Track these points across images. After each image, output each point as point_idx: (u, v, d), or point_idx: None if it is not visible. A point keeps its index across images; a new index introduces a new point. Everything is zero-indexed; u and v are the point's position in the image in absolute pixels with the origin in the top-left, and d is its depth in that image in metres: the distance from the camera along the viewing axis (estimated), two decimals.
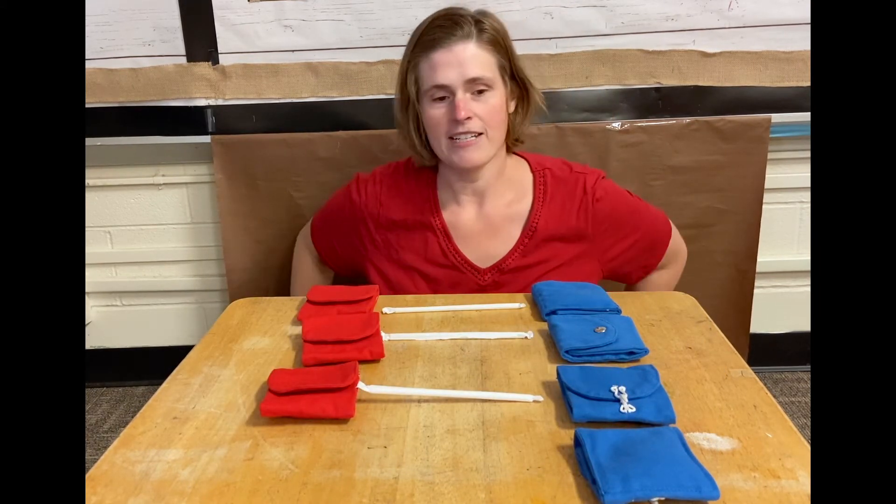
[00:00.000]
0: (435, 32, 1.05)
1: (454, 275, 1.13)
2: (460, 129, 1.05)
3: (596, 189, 1.13)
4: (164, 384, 0.74)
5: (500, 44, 1.07)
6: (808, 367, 1.91)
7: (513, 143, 1.16)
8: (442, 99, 1.06)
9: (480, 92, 1.05)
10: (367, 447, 0.61)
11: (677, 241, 1.28)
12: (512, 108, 1.12)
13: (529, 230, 1.12)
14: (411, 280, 1.14)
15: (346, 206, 1.20)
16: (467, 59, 1.03)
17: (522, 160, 1.18)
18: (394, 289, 1.14)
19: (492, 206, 1.14)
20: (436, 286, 1.13)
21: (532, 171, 1.16)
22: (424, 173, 1.18)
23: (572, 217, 1.12)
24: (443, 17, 1.06)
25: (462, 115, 1.03)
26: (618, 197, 1.17)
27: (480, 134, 1.06)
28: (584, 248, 1.13)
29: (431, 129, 1.08)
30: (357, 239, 1.19)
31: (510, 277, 1.12)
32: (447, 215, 1.15)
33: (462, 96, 1.04)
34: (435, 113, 1.06)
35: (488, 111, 1.05)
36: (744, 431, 0.61)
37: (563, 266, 1.12)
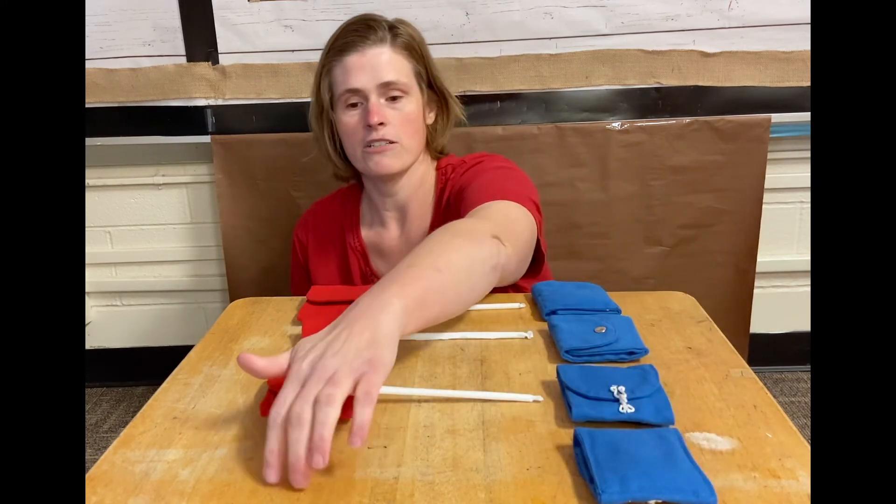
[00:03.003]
0: (349, 36, 1.02)
1: None
2: (374, 136, 1.01)
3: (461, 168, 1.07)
4: (164, 384, 0.74)
5: (415, 50, 1.05)
6: (808, 367, 1.91)
7: (435, 156, 1.12)
8: (355, 105, 1.03)
9: (395, 98, 1.02)
10: (367, 447, 0.61)
11: (507, 212, 0.93)
12: (431, 119, 1.10)
13: None
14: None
15: (293, 243, 1.20)
16: (381, 63, 1.01)
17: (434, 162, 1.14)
18: None
19: (412, 223, 1.11)
20: None
21: (436, 170, 1.12)
22: (353, 194, 1.16)
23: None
24: (357, 23, 1.04)
25: (375, 119, 1.00)
26: (471, 164, 1.07)
27: (394, 142, 1.03)
28: None
29: (346, 136, 1.05)
30: (304, 270, 1.18)
31: None
32: (370, 234, 1.13)
33: (375, 101, 1.01)
34: (349, 120, 1.03)
35: (402, 119, 1.03)
36: (744, 431, 0.61)
37: None
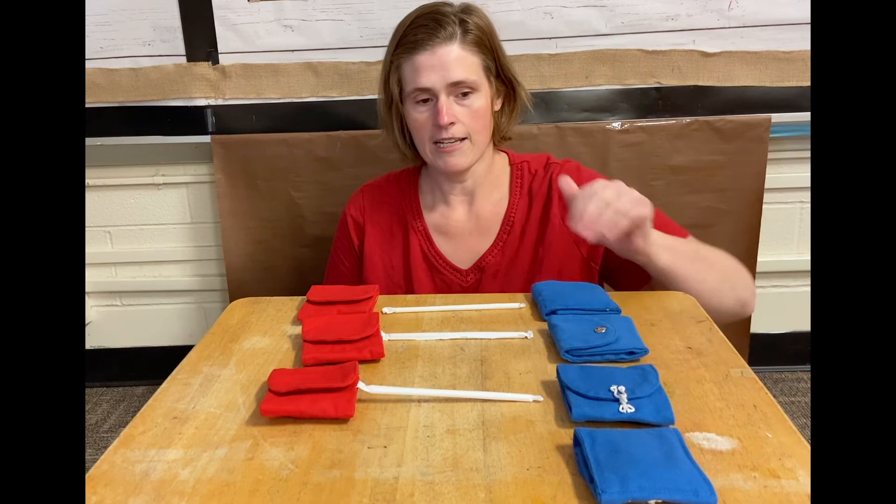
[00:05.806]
0: (418, 33, 1.01)
1: (435, 277, 1.12)
2: (444, 135, 1.02)
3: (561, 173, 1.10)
4: (164, 384, 0.74)
5: (484, 44, 1.04)
6: (808, 367, 1.91)
7: (499, 141, 1.14)
8: (426, 101, 1.03)
9: (465, 94, 1.02)
10: (367, 447, 0.61)
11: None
12: (498, 107, 1.10)
13: (507, 225, 1.11)
14: (392, 284, 1.13)
15: (341, 225, 1.19)
16: (451, 61, 1.00)
17: (503, 155, 1.17)
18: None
19: (481, 205, 1.13)
20: (417, 289, 1.12)
21: (510, 165, 1.15)
22: (407, 179, 1.17)
23: (541, 208, 1.10)
24: (426, 17, 1.02)
25: (445, 120, 1.00)
26: (585, 174, 1.10)
27: (464, 139, 1.04)
28: (556, 235, 1.09)
29: (416, 131, 1.06)
30: (354, 251, 1.18)
31: (491, 277, 1.11)
32: (435, 217, 1.14)
33: (445, 100, 1.01)
34: (418, 116, 1.04)
35: (472, 115, 1.03)
36: (744, 431, 0.61)
37: (542, 262, 1.09)
